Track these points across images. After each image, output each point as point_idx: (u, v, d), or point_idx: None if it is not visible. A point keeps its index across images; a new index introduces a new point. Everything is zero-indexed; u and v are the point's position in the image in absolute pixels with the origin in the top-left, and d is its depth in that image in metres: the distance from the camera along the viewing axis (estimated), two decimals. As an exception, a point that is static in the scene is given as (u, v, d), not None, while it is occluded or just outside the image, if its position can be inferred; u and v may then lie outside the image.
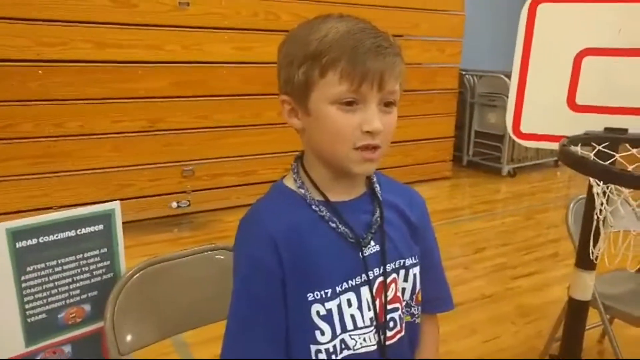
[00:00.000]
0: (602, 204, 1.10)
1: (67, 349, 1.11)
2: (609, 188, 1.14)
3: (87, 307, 1.11)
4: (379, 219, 0.79)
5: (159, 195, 3.35)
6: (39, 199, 2.98)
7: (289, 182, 0.80)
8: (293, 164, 0.81)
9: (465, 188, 4.65)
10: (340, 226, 0.76)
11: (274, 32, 3.43)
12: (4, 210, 2.86)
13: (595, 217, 1.14)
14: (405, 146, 4.28)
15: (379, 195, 0.81)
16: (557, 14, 1.29)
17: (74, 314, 1.10)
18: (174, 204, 3.38)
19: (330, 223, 0.76)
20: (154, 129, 3.26)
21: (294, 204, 0.77)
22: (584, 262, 1.35)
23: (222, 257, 1.17)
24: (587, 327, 1.99)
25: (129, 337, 1.05)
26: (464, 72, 4.88)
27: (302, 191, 0.77)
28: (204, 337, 1.25)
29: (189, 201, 3.43)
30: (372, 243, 0.78)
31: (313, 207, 0.76)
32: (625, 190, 1.15)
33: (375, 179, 0.83)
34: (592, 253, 1.18)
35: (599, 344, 2.09)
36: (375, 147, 0.72)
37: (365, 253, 0.77)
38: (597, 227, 1.15)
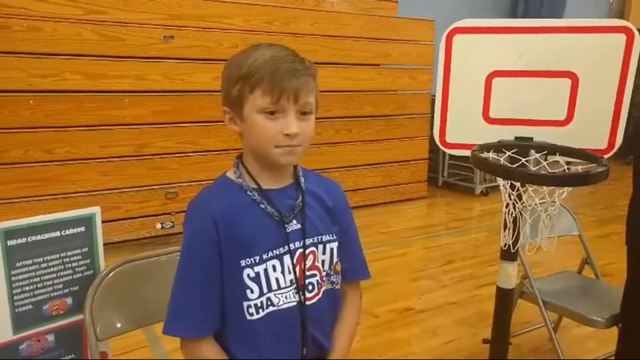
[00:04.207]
0: (509, 199, 1.30)
1: (51, 337, 1.23)
2: (524, 191, 1.34)
3: (69, 300, 1.24)
4: (300, 203, 0.98)
5: (144, 216, 3.50)
6: (28, 222, 3.12)
7: (230, 174, 1.00)
8: (235, 160, 1.00)
9: (440, 207, 4.83)
10: (268, 207, 0.95)
11: (253, 62, 3.65)
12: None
13: (504, 210, 1.34)
14: (383, 168, 4.51)
15: (302, 185, 1.00)
16: (469, 42, 1.53)
17: (57, 306, 1.23)
18: (159, 225, 3.54)
19: (260, 205, 0.95)
20: (139, 153, 3.45)
21: (232, 190, 0.96)
22: (506, 254, 1.54)
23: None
24: (535, 326, 2.17)
25: (105, 326, 1.19)
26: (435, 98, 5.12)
27: (240, 180, 0.97)
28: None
29: (172, 222, 3.59)
30: (294, 222, 0.97)
31: (247, 192, 0.95)
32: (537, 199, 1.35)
33: (300, 173, 1.02)
34: (502, 239, 1.37)
35: (550, 342, 2.26)
36: (294, 147, 0.91)
37: (288, 229, 0.96)
38: (505, 221, 1.35)
